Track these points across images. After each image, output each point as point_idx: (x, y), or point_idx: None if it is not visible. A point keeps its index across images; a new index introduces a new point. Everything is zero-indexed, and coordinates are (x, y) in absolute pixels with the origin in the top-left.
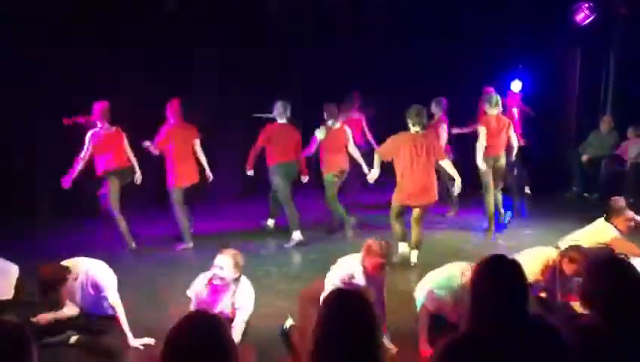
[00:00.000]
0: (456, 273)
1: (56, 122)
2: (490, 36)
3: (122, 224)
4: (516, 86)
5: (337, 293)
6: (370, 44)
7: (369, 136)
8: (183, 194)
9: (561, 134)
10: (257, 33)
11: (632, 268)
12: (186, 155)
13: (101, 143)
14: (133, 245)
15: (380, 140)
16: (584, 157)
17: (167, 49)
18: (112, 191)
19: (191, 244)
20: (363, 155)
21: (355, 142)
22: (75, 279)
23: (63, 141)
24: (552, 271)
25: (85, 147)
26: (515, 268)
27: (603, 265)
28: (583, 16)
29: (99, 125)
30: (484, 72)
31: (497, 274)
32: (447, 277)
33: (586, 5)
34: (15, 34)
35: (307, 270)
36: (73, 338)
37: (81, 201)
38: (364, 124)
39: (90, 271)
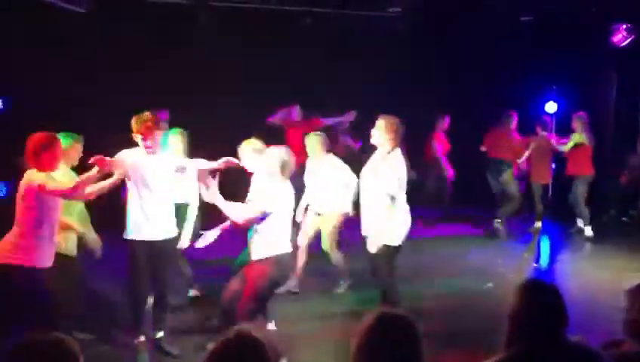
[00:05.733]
0: None
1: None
2: (526, 55)
3: None
4: (551, 107)
5: (378, 318)
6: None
7: None
8: None
9: (597, 159)
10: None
11: None
12: None
13: None
14: None
15: None
16: (623, 178)
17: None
18: None
19: None
20: None
21: None
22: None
23: None
24: None
25: None
26: (553, 292)
27: None
28: (621, 37)
29: None
30: (518, 92)
31: (534, 298)
32: None
33: (624, 27)
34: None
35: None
36: None
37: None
38: None
39: None
